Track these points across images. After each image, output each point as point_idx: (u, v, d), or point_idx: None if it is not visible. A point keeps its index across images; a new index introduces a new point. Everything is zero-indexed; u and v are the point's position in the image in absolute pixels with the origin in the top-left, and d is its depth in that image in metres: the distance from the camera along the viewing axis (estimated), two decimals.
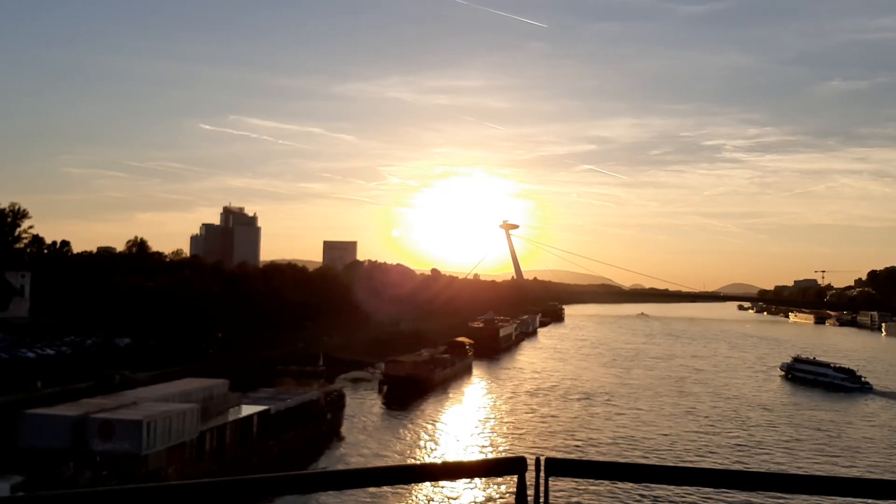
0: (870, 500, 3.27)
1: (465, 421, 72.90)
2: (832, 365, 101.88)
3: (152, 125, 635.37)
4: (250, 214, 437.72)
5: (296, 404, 62.40)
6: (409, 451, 59.14)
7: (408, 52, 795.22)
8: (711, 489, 4.01)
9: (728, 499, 46.14)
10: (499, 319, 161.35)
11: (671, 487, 44.90)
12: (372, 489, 48.76)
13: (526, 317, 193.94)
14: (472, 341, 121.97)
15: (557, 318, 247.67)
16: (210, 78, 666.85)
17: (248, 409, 57.53)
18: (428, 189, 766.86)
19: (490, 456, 47.71)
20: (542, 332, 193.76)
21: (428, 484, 47.46)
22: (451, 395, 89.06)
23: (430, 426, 69.32)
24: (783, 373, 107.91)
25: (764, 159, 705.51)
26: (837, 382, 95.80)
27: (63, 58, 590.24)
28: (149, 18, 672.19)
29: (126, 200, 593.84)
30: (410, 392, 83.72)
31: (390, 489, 49.12)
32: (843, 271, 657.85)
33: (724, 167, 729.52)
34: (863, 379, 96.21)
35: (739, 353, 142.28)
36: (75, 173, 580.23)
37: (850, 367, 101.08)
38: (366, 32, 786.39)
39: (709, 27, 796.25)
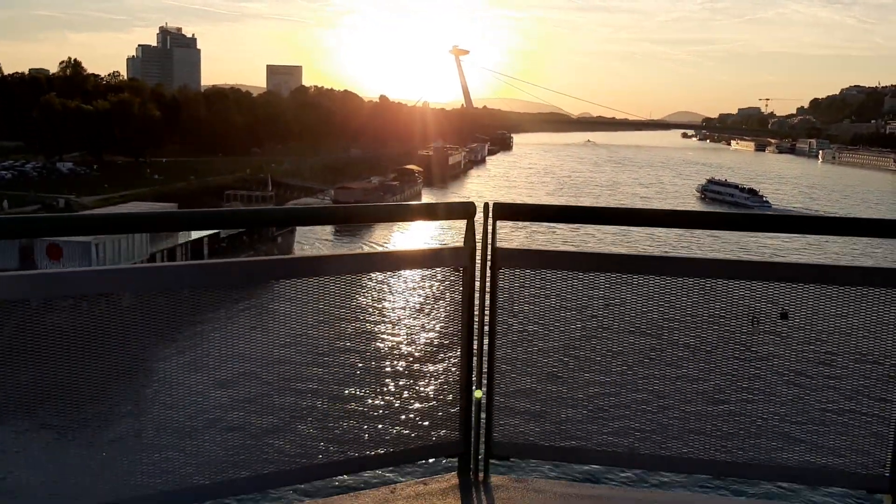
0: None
1: (412, 244, 74.70)
2: (739, 186, 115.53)
3: None
4: (189, 35, 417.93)
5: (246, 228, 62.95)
6: None
7: None
8: (658, 228, 4.42)
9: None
10: (448, 148, 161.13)
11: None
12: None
13: (475, 145, 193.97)
14: (421, 169, 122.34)
15: (506, 146, 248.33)
16: None
17: (198, 233, 57.85)
18: (375, 10, 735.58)
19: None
20: (490, 160, 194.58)
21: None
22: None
23: (377, 248, 71.23)
24: (699, 194, 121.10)
25: None
26: (741, 201, 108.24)
27: None
28: None
29: (56, 19, 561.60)
30: None
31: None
32: (787, 99, 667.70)
33: None
34: (764, 198, 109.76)
35: (683, 181, 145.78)
36: None
37: (754, 188, 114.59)
38: None
39: None
